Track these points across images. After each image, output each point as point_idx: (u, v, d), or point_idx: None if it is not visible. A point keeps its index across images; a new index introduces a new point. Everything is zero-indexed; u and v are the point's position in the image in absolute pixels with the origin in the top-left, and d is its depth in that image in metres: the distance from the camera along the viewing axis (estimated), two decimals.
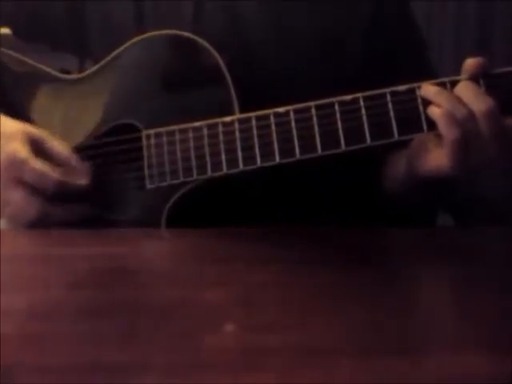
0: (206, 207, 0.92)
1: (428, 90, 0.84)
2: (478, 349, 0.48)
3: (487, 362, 0.45)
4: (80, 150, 0.96)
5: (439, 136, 0.83)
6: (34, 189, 0.89)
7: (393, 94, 0.85)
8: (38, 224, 0.90)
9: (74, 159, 0.92)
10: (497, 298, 0.60)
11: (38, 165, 0.88)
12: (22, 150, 0.88)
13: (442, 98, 0.83)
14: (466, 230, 1.05)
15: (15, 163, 0.88)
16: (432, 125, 0.84)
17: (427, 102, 0.84)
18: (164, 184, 0.92)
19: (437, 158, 0.84)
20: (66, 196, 0.91)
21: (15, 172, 0.88)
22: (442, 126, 0.82)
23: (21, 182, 0.88)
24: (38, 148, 0.90)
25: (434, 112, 0.83)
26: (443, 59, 1.83)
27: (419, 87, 0.85)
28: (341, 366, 0.44)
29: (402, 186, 0.95)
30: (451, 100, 0.82)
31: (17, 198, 0.89)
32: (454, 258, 0.79)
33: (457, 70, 0.85)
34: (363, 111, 0.86)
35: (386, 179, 1.00)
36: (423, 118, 0.84)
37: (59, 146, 0.92)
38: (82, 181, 0.91)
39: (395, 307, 0.58)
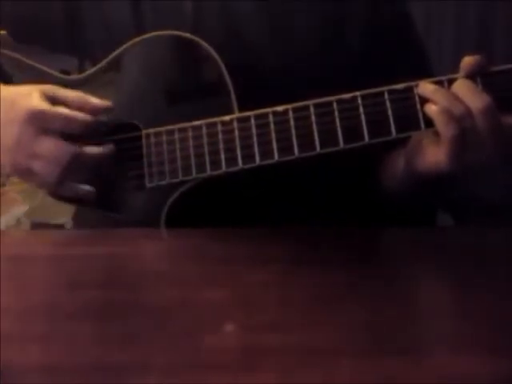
0: (205, 206, 0.92)
1: (425, 87, 0.84)
2: (478, 349, 0.48)
3: (487, 362, 0.45)
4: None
5: (437, 133, 0.84)
6: (63, 134, 0.89)
7: (390, 92, 0.86)
8: (66, 180, 0.90)
9: (88, 99, 0.92)
10: (497, 298, 0.60)
11: (61, 110, 0.89)
12: (40, 102, 0.89)
13: (439, 96, 0.83)
14: (465, 229, 1.05)
15: (38, 115, 0.89)
16: (429, 123, 0.84)
17: (425, 100, 0.84)
18: (163, 183, 0.92)
19: (435, 155, 0.84)
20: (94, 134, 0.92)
21: (40, 123, 0.89)
22: (439, 123, 0.82)
23: (48, 131, 0.89)
24: (53, 100, 0.91)
25: (431, 109, 0.83)
26: (443, 59, 1.83)
27: (417, 85, 0.85)
28: (341, 366, 0.44)
29: (401, 185, 0.95)
30: (448, 97, 0.83)
31: (48, 146, 0.89)
32: (454, 257, 0.79)
33: (456, 70, 0.85)
34: (361, 109, 0.86)
35: (385, 178, 1.00)
36: (421, 115, 0.84)
37: (71, 92, 0.93)
38: (107, 105, 0.92)
39: (395, 307, 0.58)
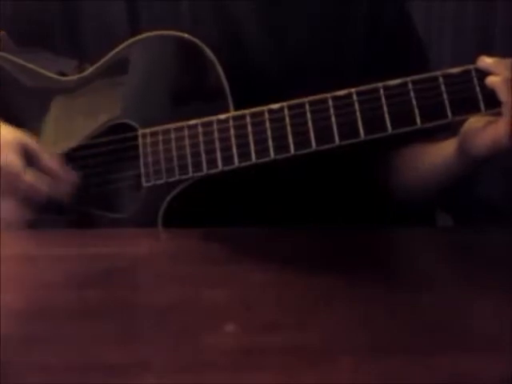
0: (202, 205, 0.93)
1: (485, 61, 0.84)
2: (478, 349, 0.48)
3: (487, 362, 0.45)
4: (78, 149, 0.96)
5: (490, 117, 0.84)
6: (25, 199, 0.90)
7: (385, 88, 0.86)
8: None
9: (60, 171, 0.93)
10: (497, 298, 0.60)
11: (30, 178, 0.90)
12: (16, 162, 0.90)
13: (500, 67, 0.83)
14: (465, 229, 1.05)
15: (10, 174, 0.90)
16: (426, 119, 0.85)
17: (422, 96, 0.85)
18: (160, 182, 0.92)
19: (493, 133, 0.84)
20: (57, 204, 0.93)
21: (9, 182, 0.90)
22: (503, 92, 0.82)
23: (13, 193, 0.90)
24: (30, 157, 0.91)
25: (493, 80, 0.83)
26: (443, 59, 1.82)
27: (412, 81, 0.85)
28: (341, 366, 0.44)
29: (446, 174, 0.94)
30: (510, 67, 0.83)
31: (8, 206, 0.90)
32: (454, 257, 0.79)
33: None
34: (357, 106, 0.86)
35: (420, 171, 1.00)
36: (416, 111, 0.85)
37: (48, 158, 0.93)
38: (66, 196, 0.93)
39: (395, 307, 0.58)
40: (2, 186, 0.90)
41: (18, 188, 0.90)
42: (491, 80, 0.84)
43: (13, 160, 0.90)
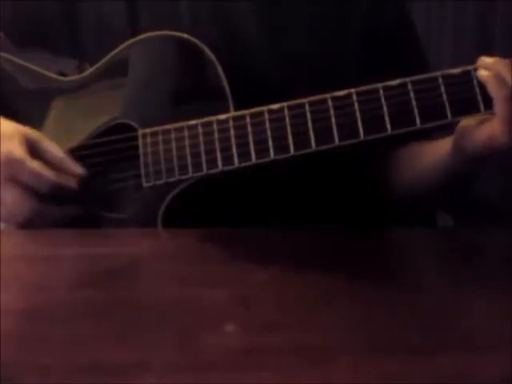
0: (202, 205, 0.93)
1: (485, 61, 0.85)
2: (477, 349, 0.48)
3: (487, 361, 0.45)
4: (78, 149, 0.96)
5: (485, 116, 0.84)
6: (29, 188, 0.90)
7: (385, 88, 0.86)
8: (30, 224, 0.91)
9: (66, 161, 0.92)
10: (497, 298, 0.60)
11: (34, 165, 0.89)
12: (18, 150, 0.89)
13: (500, 67, 0.83)
14: (465, 229, 1.05)
15: (12, 163, 0.89)
16: (425, 120, 0.85)
17: (421, 97, 0.85)
18: (160, 182, 0.92)
19: (487, 129, 0.84)
20: (61, 195, 0.91)
21: (12, 171, 0.89)
22: (493, 87, 0.83)
23: (16, 182, 0.89)
24: (33, 149, 0.91)
25: (484, 75, 0.84)
26: (443, 59, 1.82)
27: (412, 82, 0.85)
28: (341, 366, 0.44)
29: (442, 174, 0.94)
30: (500, 64, 0.83)
31: (12, 196, 0.90)
32: (454, 257, 0.79)
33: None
34: (356, 106, 0.86)
35: (417, 171, 1.00)
36: (416, 112, 0.85)
37: (53, 148, 0.93)
38: (72, 183, 0.92)
39: (395, 307, 0.58)
40: (6, 175, 0.89)
41: (22, 176, 0.89)
42: (481, 74, 0.84)
43: (15, 148, 0.89)
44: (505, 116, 0.82)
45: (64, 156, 0.93)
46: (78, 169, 0.93)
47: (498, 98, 0.82)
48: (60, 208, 0.92)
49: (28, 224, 0.91)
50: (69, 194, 0.92)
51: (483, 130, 0.84)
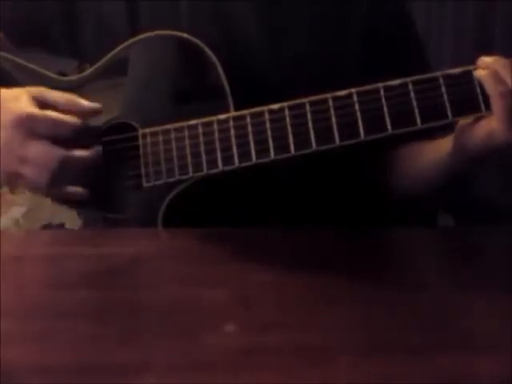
0: (202, 205, 0.93)
1: (485, 61, 0.84)
2: (478, 349, 0.48)
3: (487, 361, 0.45)
4: None
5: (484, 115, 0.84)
6: (51, 138, 0.89)
7: (386, 88, 0.86)
8: (57, 185, 0.90)
9: (76, 100, 0.92)
10: (497, 298, 0.60)
11: (49, 113, 0.89)
12: (29, 106, 0.89)
13: (500, 67, 0.83)
14: (466, 229, 1.05)
15: (26, 119, 0.88)
16: (426, 120, 0.85)
17: (422, 97, 0.85)
18: (160, 182, 0.92)
19: (486, 127, 0.84)
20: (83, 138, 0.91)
21: (28, 127, 0.88)
22: (489, 85, 0.83)
23: (36, 135, 0.89)
24: (41, 102, 0.91)
25: (481, 73, 0.84)
26: (443, 59, 1.82)
27: (412, 82, 0.85)
28: (341, 366, 0.44)
29: (442, 172, 0.94)
30: (497, 62, 0.83)
31: (36, 150, 0.88)
32: (454, 258, 0.79)
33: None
34: (357, 106, 0.86)
35: (418, 170, 1.00)
36: (417, 112, 0.85)
37: (59, 94, 0.92)
38: (96, 107, 0.92)
39: (395, 307, 0.58)
40: (25, 133, 0.88)
41: (41, 128, 0.88)
42: (478, 73, 0.84)
43: (26, 105, 0.89)
44: (502, 113, 0.82)
45: (72, 96, 0.92)
46: (90, 103, 0.93)
47: (494, 95, 0.82)
48: (85, 150, 0.91)
49: (55, 186, 0.89)
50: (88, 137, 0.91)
51: (482, 128, 0.84)
